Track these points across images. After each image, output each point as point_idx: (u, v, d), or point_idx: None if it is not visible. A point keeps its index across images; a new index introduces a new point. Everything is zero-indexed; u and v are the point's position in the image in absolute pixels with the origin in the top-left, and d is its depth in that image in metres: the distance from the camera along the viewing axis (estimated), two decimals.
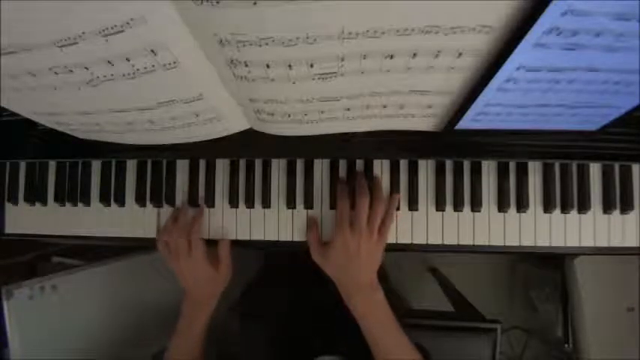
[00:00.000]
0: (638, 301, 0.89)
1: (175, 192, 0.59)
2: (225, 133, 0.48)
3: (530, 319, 1.29)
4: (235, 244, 0.58)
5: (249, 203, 0.57)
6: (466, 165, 0.55)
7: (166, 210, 0.59)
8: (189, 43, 0.31)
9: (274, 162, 0.57)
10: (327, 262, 0.52)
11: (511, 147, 0.49)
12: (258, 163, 0.58)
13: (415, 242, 0.55)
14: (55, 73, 0.33)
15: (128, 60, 0.32)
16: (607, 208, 0.54)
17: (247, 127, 0.47)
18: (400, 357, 0.50)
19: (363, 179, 0.53)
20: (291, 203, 0.57)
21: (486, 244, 0.55)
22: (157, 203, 0.59)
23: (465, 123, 0.42)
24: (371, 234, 0.51)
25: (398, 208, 0.55)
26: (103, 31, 0.28)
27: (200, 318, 0.57)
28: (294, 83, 0.34)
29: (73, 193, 0.61)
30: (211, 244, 0.58)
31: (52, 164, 0.62)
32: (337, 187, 0.55)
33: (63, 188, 0.61)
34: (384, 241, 0.52)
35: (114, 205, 0.60)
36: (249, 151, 0.53)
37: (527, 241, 0.54)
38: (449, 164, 0.55)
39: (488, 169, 0.55)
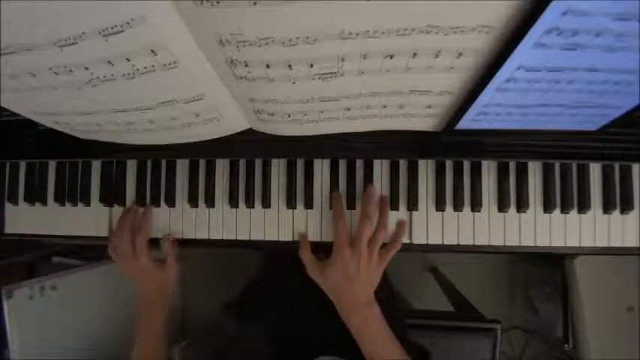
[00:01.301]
0: (638, 301, 0.89)
1: (175, 192, 0.59)
2: (225, 133, 0.48)
3: (530, 319, 1.29)
4: (235, 244, 0.58)
5: (249, 203, 0.57)
6: (466, 165, 0.55)
7: (165, 210, 0.59)
8: (189, 43, 0.31)
9: (274, 162, 0.57)
10: (325, 280, 0.52)
11: (511, 147, 0.49)
12: (258, 163, 0.58)
13: (415, 242, 0.55)
14: (55, 73, 0.33)
15: (128, 60, 0.32)
16: (607, 208, 0.54)
17: (247, 127, 0.47)
18: None
19: (372, 199, 0.53)
20: (291, 203, 0.56)
21: (486, 244, 0.55)
22: (157, 203, 0.59)
23: (465, 123, 0.42)
24: (371, 256, 0.51)
25: (397, 209, 0.55)
26: (103, 31, 0.28)
27: (155, 320, 0.58)
28: (294, 83, 0.34)
29: (73, 193, 0.61)
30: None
31: (52, 164, 0.62)
32: (332, 201, 0.55)
33: (63, 188, 0.61)
34: (384, 265, 0.52)
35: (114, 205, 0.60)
36: (249, 151, 0.53)
37: (527, 241, 0.54)
38: (449, 164, 0.55)
39: (489, 169, 0.55)
